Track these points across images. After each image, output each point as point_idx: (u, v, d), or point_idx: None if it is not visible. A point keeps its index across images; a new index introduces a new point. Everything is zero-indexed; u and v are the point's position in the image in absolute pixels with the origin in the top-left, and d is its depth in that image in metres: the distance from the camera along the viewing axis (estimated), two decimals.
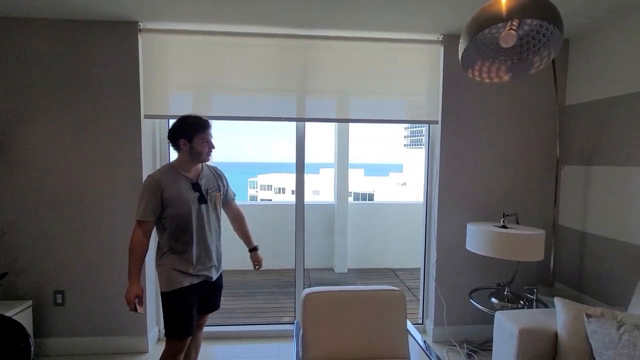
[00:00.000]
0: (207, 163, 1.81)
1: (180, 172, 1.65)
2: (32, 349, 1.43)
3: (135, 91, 2.25)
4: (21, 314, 2.13)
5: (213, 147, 1.70)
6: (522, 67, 1.19)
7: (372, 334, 1.76)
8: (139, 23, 2.22)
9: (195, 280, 1.65)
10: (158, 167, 2.47)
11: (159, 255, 1.65)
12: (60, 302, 2.30)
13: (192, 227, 1.63)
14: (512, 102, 2.43)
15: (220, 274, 1.84)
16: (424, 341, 1.71)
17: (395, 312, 1.80)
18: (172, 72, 2.33)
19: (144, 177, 2.29)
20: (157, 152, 2.48)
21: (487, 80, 1.21)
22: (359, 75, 2.48)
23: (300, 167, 2.60)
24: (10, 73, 2.17)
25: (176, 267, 1.61)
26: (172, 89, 2.40)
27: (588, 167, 2.25)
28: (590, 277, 2.24)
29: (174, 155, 1.72)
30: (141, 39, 2.26)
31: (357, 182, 28.93)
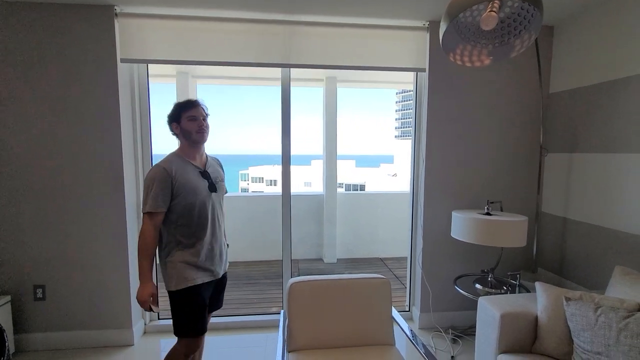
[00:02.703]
0: (210, 154, 1.74)
1: (185, 159, 1.57)
2: (7, 344, 1.40)
3: (113, 79, 2.17)
4: None
5: (204, 126, 1.57)
6: (503, 50, 1.18)
7: (358, 321, 1.77)
8: (115, 7, 2.13)
9: (207, 278, 1.57)
10: (140, 156, 2.41)
11: (165, 251, 1.53)
12: (41, 296, 2.25)
13: (203, 218, 1.54)
14: (496, 90, 2.44)
15: (225, 271, 1.75)
16: (409, 328, 1.72)
17: (380, 300, 1.81)
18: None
19: (125, 172, 2.24)
20: (139, 144, 2.41)
21: (468, 64, 1.19)
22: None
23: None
24: None
25: (188, 262, 1.51)
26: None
27: (570, 155, 2.28)
28: (571, 262, 2.29)
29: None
30: (117, 24, 2.17)
31: (349, 173, 29.01)
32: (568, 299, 1.58)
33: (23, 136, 2.15)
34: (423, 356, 1.51)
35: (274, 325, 2.60)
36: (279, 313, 2.78)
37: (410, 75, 2.64)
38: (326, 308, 1.75)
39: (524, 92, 2.46)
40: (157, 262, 1.55)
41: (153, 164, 1.64)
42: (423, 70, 2.43)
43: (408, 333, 1.69)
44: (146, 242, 1.45)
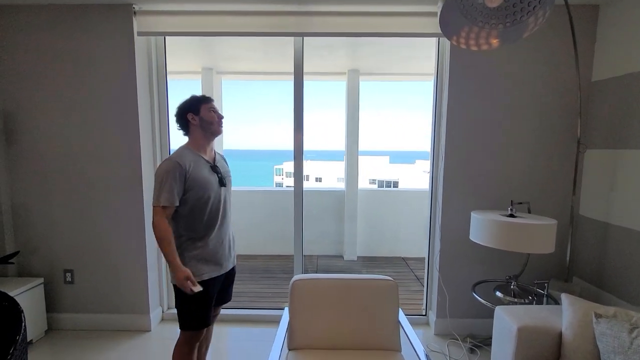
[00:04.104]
0: (216, 150, 1.73)
1: (197, 153, 1.56)
2: (23, 324, 1.50)
3: (131, 79, 2.25)
4: (33, 290, 2.26)
5: (222, 117, 1.61)
6: (514, 30, 1.03)
7: (362, 324, 1.69)
8: (134, 5, 2.20)
9: (215, 273, 1.57)
10: (159, 150, 2.49)
11: (175, 244, 1.49)
12: (70, 280, 2.42)
13: (214, 212, 1.55)
14: (527, 78, 2.20)
15: (234, 265, 1.76)
16: (415, 335, 1.61)
17: (386, 303, 1.72)
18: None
19: (143, 166, 2.32)
20: (157, 139, 2.49)
21: (474, 48, 1.06)
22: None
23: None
24: (16, 62, 2.25)
25: (197, 256, 1.52)
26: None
27: (615, 151, 2.00)
28: (612, 272, 2.02)
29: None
30: (136, 22, 2.24)
31: (382, 170, 28.41)
32: (598, 316, 1.39)
33: (51, 136, 2.30)
34: None
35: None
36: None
37: (429, 65, 2.47)
38: (329, 308, 1.70)
39: (561, 80, 2.19)
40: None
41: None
42: (442, 35, 2.17)
43: (413, 341, 1.58)
44: (163, 233, 1.43)
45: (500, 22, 1.07)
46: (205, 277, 1.54)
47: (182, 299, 1.53)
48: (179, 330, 1.58)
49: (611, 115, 2.04)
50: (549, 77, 2.19)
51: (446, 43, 2.25)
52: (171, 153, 1.57)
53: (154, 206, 1.45)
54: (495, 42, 1.05)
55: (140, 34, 2.25)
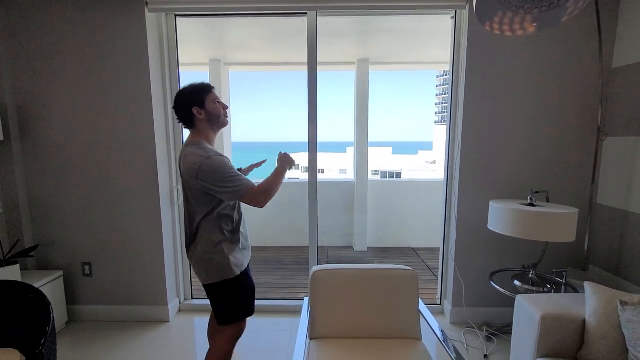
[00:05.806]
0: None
1: (212, 147, 1.47)
2: (52, 315, 1.52)
3: (145, 70, 2.23)
4: (53, 283, 2.29)
5: (226, 107, 1.51)
6: (551, 15, 1.01)
7: (382, 313, 1.71)
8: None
9: (249, 257, 1.62)
10: (172, 142, 2.48)
11: (211, 243, 1.43)
12: (88, 272, 2.44)
13: (240, 205, 1.57)
14: (546, 64, 2.16)
15: None
16: (438, 324, 1.62)
17: (406, 292, 1.73)
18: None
19: (159, 159, 2.32)
20: (171, 129, 2.49)
21: (508, 34, 1.04)
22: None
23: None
24: (28, 55, 2.23)
25: (236, 248, 1.50)
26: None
27: (636, 139, 1.98)
28: (631, 261, 2.02)
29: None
30: (148, 13, 2.21)
31: (385, 160, 28.35)
32: (624, 303, 1.39)
33: (65, 128, 2.30)
34: (450, 356, 1.41)
35: (301, 311, 2.61)
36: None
37: (447, 56, 2.43)
38: (349, 298, 1.72)
39: (581, 67, 2.16)
40: (201, 256, 1.45)
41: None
42: (463, 7, 2.15)
43: (436, 330, 1.59)
44: (270, 189, 1.47)
45: (535, 7, 1.04)
46: (245, 264, 1.55)
47: (232, 292, 1.50)
48: (222, 325, 1.53)
49: (632, 102, 2.01)
50: (569, 64, 2.16)
51: (463, 30, 2.22)
52: (192, 149, 1.43)
53: (246, 196, 1.38)
54: (530, 27, 1.03)
55: (151, 10, 2.20)
